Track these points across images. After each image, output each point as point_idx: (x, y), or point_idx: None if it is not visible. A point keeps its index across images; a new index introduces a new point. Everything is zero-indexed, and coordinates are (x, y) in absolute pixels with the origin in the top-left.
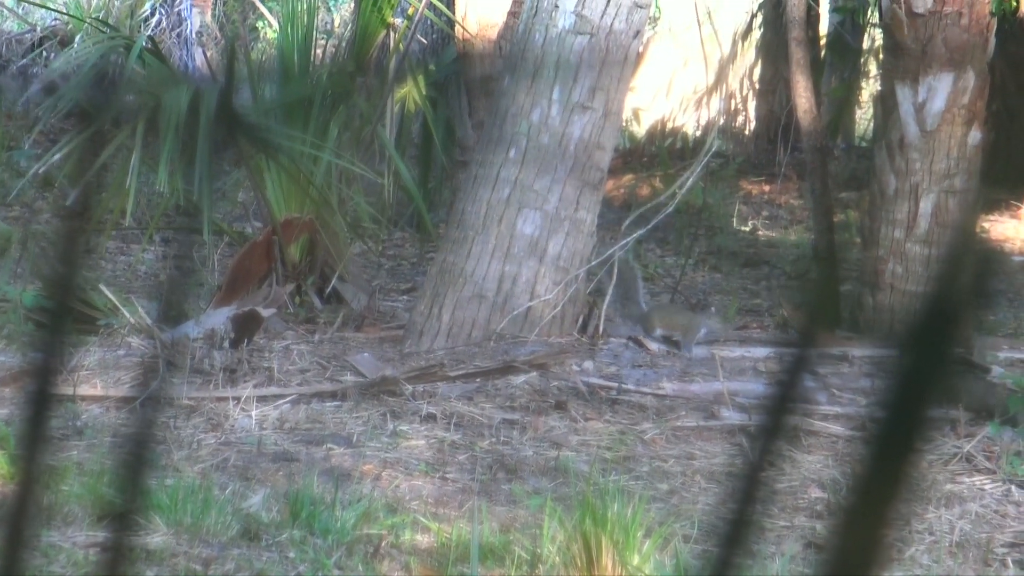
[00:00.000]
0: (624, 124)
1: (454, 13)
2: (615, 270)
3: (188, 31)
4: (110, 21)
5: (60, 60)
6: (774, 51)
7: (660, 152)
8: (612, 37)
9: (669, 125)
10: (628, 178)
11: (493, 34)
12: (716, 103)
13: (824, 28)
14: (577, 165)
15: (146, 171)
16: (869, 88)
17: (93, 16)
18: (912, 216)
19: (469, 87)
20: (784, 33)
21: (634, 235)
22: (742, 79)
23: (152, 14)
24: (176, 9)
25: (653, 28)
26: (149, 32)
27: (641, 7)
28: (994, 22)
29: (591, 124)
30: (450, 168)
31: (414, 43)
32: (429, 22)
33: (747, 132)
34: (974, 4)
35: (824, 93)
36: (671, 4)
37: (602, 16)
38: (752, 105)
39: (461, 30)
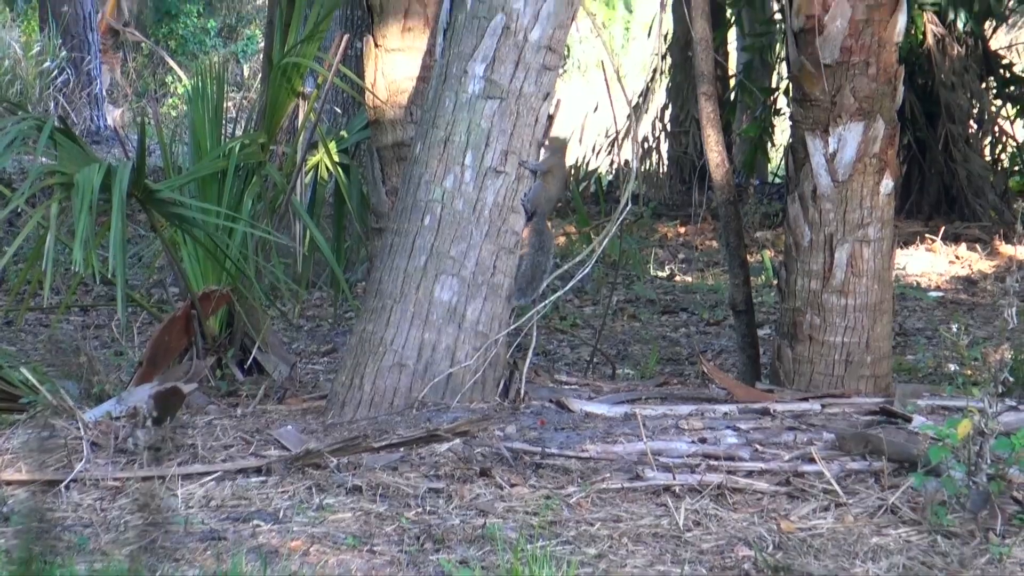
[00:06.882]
0: None
1: (363, 79)
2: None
3: (98, 89)
4: (17, 82)
5: None
6: (684, 93)
7: (574, 198)
8: (522, 100)
9: (583, 170)
10: None
11: (404, 99)
12: (628, 147)
13: (733, 66)
14: (492, 229)
15: (62, 246)
16: (781, 125)
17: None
18: (827, 267)
19: (381, 153)
20: (693, 80)
21: (554, 296)
22: (654, 121)
23: (60, 73)
24: (85, 68)
25: (562, 68)
26: (59, 92)
27: (549, 69)
28: (902, 69)
29: (505, 188)
30: (365, 235)
31: (325, 111)
32: (339, 89)
33: (661, 173)
34: (881, 53)
35: (736, 132)
36: (579, 44)
37: (511, 80)
38: (664, 147)
39: (371, 96)
